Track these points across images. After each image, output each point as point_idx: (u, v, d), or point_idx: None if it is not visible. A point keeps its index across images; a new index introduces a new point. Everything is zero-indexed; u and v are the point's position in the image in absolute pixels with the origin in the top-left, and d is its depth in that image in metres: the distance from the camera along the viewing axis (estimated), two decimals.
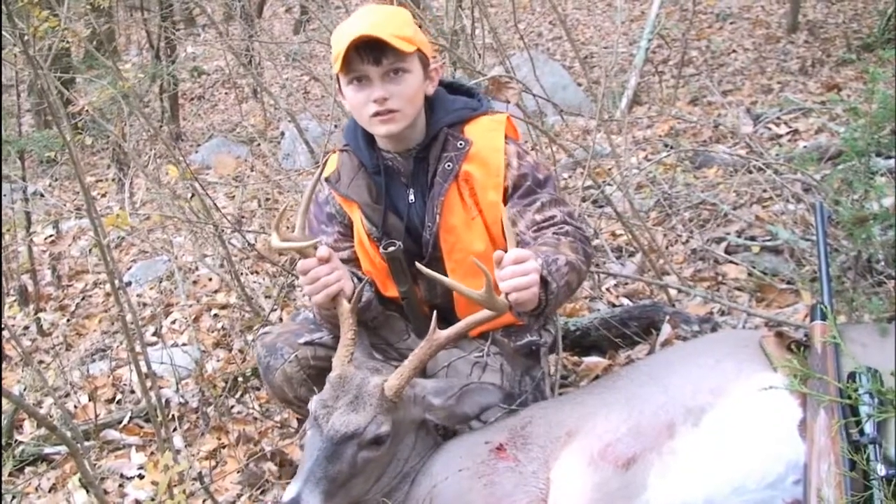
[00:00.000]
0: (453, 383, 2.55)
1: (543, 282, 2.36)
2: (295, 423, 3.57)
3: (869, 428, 2.01)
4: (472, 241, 2.71)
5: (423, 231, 2.74)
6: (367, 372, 2.48)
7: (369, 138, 2.77)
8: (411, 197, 2.77)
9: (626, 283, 4.19)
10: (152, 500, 2.37)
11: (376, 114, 2.60)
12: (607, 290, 4.16)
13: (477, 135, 2.72)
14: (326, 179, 2.86)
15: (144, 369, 3.11)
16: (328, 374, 2.51)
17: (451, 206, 2.69)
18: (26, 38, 3.22)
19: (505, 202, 2.70)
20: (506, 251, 2.34)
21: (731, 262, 4.09)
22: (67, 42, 5.96)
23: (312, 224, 2.92)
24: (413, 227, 2.77)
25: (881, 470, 1.95)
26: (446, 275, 2.68)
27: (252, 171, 7.91)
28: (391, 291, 2.82)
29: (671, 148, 5.61)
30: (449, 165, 2.68)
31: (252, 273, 5.35)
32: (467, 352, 2.78)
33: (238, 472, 3.32)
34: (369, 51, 2.54)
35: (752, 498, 2.09)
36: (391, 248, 2.68)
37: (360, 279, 2.68)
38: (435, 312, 2.48)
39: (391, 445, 2.40)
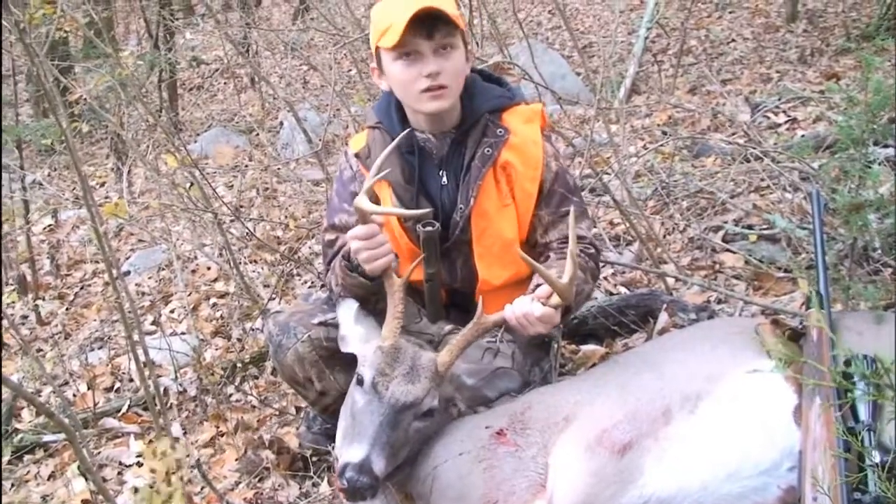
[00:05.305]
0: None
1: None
2: (293, 411, 3.58)
3: (864, 414, 2.02)
4: (503, 228, 2.74)
5: (453, 212, 2.75)
6: (415, 345, 2.54)
7: (402, 116, 2.78)
8: (444, 179, 2.77)
9: (624, 272, 4.19)
10: (150, 486, 2.37)
11: (427, 89, 2.61)
12: (605, 278, 4.16)
13: (515, 125, 2.75)
14: (356, 155, 2.85)
15: (143, 358, 3.11)
16: (339, 355, 2.66)
17: (486, 191, 2.71)
18: (22, 25, 3.21)
19: (537, 200, 2.75)
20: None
21: (728, 250, 4.09)
22: (65, 31, 5.96)
23: (333, 202, 2.91)
24: (444, 208, 2.78)
25: (876, 456, 1.96)
26: (473, 258, 2.76)
27: (250, 160, 7.90)
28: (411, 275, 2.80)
29: (668, 135, 5.60)
30: (488, 151, 2.71)
31: (251, 262, 5.36)
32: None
33: (236, 459, 3.33)
34: (422, 25, 2.54)
35: (747, 484, 2.10)
36: (429, 228, 2.67)
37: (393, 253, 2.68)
38: (481, 298, 2.55)
39: (436, 419, 2.47)
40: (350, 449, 2.29)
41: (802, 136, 5.16)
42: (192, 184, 4.58)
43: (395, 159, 2.76)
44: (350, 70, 8.44)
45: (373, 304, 2.67)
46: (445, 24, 2.56)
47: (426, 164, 2.79)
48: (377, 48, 2.68)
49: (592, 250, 2.81)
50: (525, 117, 2.79)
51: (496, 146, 2.71)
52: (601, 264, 2.97)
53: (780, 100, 6.02)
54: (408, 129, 2.73)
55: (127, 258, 6.27)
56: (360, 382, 2.43)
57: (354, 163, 2.85)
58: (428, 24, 2.55)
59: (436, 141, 2.77)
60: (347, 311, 2.70)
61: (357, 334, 2.65)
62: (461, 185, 2.73)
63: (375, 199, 2.79)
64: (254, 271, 5.17)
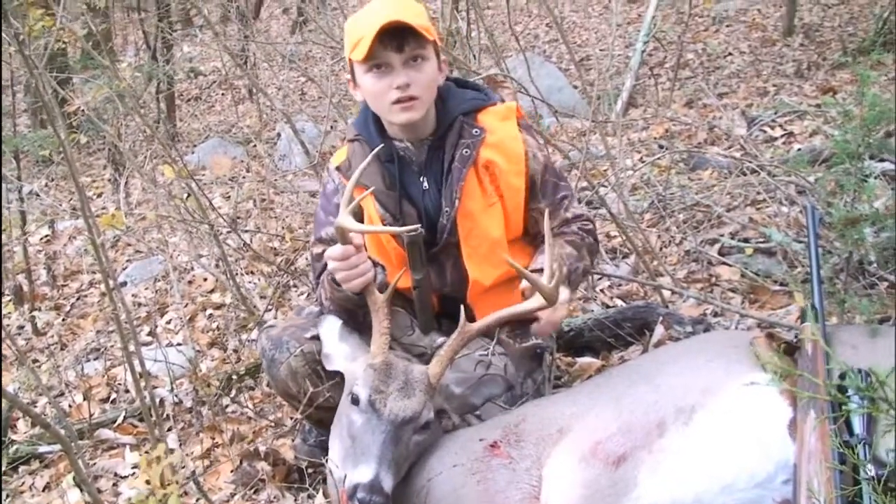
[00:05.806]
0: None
1: None
2: (289, 423, 3.58)
3: (858, 428, 2.02)
4: (489, 227, 2.77)
5: (439, 217, 2.77)
6: (404, 359, 2.55)
7: (380, 128, 2.81)
8: (425, 184, 2.80)
9: (620, 285, 4.20)
10: (148, 495, 2.37)
11: (398, 101, 2.64)
12: (601, 290, 4.17)
13: (491, 123, 2.79)
14: (337, 168, 2.89)
15: (139, 369, 3.11)
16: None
17: (469, 192, 2.74)
18: (21, 37, 3.22)
19: (528, 193, 2.79)
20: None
21: (724, 263, 4.10)
22: (64, 42, 5.97)
23: (319, 216, 2.94)
24: (427, 213, 2.80)
25: (871, 469, 1.96)
26: (461, 260, 2.78)
27: (248, 171, 7.91)
28: (400, 282, 2.82)
29: (665, 149, 5.61)
30: (466, 152, 2.74)
31: (247, 273, 5.36)
32: (472, 350, 2.77)
33: (231, 471, 3.32)
34: (391, 38, 2.57)
35: (742, 497, 2.10)
36: (413, 233, 2.69)
37: (380, 266, 2.71)
38: (462, 307, 2.55)
39: (432, 431, 2.48)
40: (357, 470, 2.29)
41: (798, 149, 5.18)
42: (188, 195, 4.59)
43: (376, 168, 2.79)
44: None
45: (361, 317, 2.67)
46: (415, 37, 2.60)
47: (406, 171, 2.82)
48: (350, 60, 2.72)
49: (590, 225, 2.90)
50: (501, 115, 2.83)
51: (474, 146, 2.74)
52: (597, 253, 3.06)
53: (776, 113, 6.04)
54: (381, 145, 2.76)
55: (123, 269, 6.26)
56: (356, 402, 2.42)
57: (336, 176, 2.89)
58: (397, 37, 2.58)
59: (414, 149, 2.81)
60: (330, 328, 2.72)
61: (342, 352, 2.67)
62: (444, 189, 2.76)
63: (360, 210, 2.81)
64: (250, 282, 5.17)
